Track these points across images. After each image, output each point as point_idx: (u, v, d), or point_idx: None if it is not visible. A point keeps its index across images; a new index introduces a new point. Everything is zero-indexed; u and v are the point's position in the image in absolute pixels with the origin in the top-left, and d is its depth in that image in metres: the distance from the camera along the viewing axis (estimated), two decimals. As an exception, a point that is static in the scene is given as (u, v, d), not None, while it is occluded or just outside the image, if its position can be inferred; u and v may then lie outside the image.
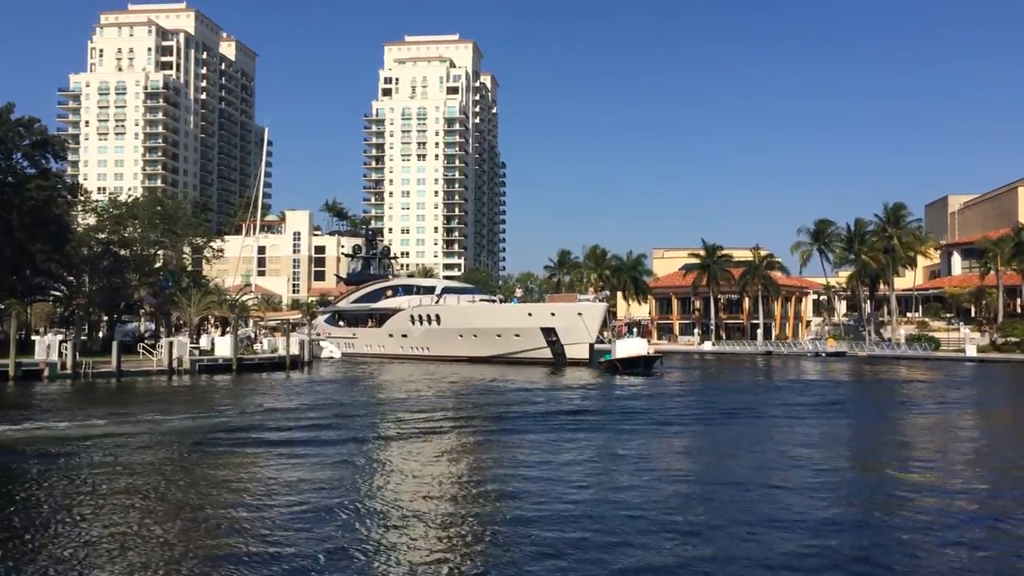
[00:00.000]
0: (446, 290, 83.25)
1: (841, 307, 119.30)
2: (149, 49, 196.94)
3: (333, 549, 13.94)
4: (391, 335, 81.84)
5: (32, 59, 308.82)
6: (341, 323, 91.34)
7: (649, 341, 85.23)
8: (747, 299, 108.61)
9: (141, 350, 58.34)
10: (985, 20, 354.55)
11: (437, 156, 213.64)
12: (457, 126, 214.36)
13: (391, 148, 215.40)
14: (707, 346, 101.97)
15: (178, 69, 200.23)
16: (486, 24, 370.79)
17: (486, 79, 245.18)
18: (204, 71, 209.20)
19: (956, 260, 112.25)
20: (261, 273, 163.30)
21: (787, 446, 25.64)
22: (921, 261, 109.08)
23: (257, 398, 40.44)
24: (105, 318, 73.40)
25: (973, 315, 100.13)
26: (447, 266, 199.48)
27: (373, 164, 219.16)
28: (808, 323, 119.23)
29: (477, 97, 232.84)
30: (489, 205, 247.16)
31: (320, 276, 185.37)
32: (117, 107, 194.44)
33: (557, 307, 71.28)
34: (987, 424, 33.49)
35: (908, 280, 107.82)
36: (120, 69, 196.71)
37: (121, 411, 33.44)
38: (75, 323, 67.32)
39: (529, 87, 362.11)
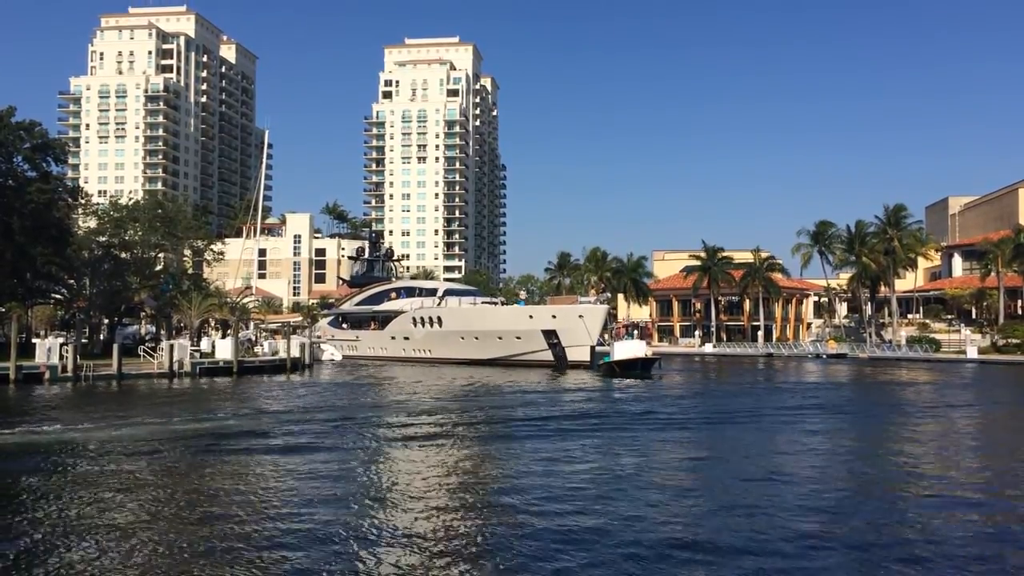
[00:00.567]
0: (448, 292, 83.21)
1: (842, 309, 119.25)
2: (149, 52, 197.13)
3: (333, 552, 13.91)
4: (393, 337, 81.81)
5: (33, 62, 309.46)
6: (345, 325, 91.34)
7: (650, 343, 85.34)
8: (748, 301, 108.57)
9: (142, 353, 58.29)
10: (985, 21, 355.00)
11: (437, 159, 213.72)
12: (457, 128, 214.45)
13: (391, 151, 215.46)
14: (708, 348, 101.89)
15: (178, 72, 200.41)
16: (486, 27, 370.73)
17: (486, 82, 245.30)
18: (204, 74, 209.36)
19: (957, 262, 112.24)
20: (262, 276, 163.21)
21: (788, 448, 25.60)
22: (922, 263, 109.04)
23: (257, 401, 40.42)
24: (106, 321, 73.39)
25: (974, 317, 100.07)
26: (447, 268, 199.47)
27: (373, 167, 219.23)
28: (809, 325, 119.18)
29: (477, 99, 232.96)
30: (489, 207, 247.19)
31: (320, 279, 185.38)
32: (117, 110, 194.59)
33: (558, 309, 71.15)
34: (990, 426, 33.43)
35: (909, 282, 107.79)
36: (120, 72, 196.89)
37: (121, 414, 33.42)
38: (76, 326, 67.35)
39: (529, 89, 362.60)
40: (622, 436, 27.98)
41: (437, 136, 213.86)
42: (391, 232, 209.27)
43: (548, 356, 68.80)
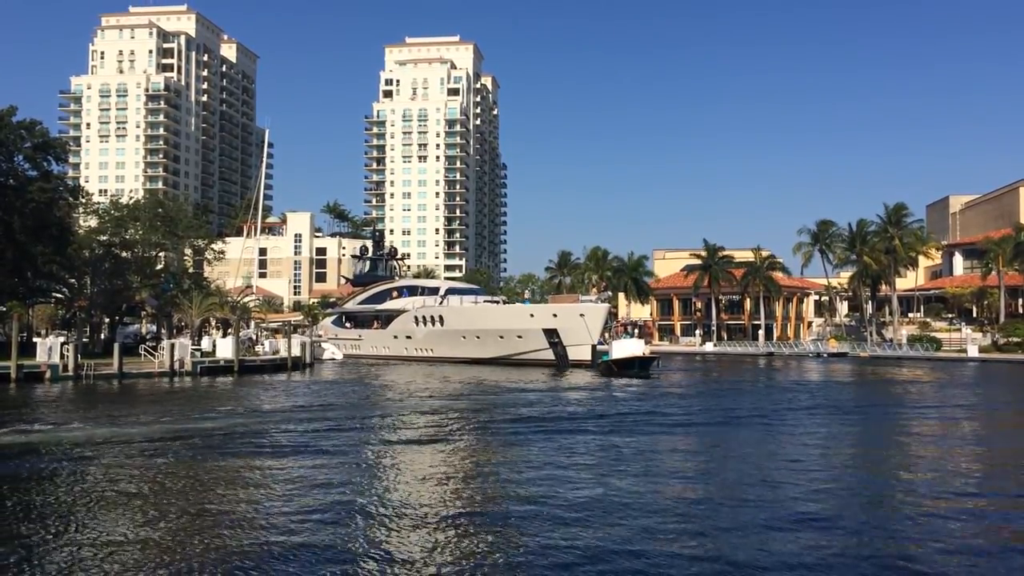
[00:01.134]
0: (450, 291, 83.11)
1: (843, 308, 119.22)
2: (150, 51, 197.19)
3: (334, 552, 13.90)
4: (396, 336, 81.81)
5: (33, 62, 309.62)
6: (348, 324, 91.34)
7: (651, 342, 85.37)
8: (748, 300, 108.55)
9: (143, 352, 58.31)
10: (986, 21, 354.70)
11: (438, 158, 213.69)
12: (458, 127, 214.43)
13: (392, 150, 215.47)
14: (708, 347, 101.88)
15: (179, 71, 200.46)
16: (487, 26, 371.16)
17: (487, 80, 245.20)
18: (205, 73, 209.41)
19: (958, 260, 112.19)
20: (262, 275, 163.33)
21: (788, 448, 25.59)
22: (923, 261, 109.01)
23: (258, 400, 40.42)
24: (107, 320, 73.41)
25: (975, 315, 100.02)
26: (448, 268, 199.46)
27: (374, 166, 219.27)
28: (809, 324, 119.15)
29: (478, 98, 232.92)
30: (490, 206, 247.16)
31: (321, 278, 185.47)
32: (118, 109, 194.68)
33: (559, 308, 71.15)
34: (992, 425, 33.41)
35: (910, 281, 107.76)
36: (121, 71, 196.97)
37: (122, 413, 33.42)
38: (76, 325, 67.33)
39: (530, 89, 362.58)
40: (622, 436, 27.96)
41: (438, 135, 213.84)
42: (391, 231, 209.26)
43: (549, 355, 68.77)
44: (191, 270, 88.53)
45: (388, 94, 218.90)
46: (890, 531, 15.43)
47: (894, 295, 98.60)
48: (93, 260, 70.04)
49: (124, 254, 73.18)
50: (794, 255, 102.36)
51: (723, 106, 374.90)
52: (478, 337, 73.38)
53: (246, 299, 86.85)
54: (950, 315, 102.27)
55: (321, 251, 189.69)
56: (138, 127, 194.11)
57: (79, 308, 70.63)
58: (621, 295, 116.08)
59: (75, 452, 23.87)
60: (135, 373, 52.87)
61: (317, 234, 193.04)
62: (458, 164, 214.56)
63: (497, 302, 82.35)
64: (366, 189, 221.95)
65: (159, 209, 78.09)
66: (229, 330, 67.07)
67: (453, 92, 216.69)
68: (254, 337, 76.91)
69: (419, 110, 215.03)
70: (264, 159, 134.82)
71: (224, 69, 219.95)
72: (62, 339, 57.91)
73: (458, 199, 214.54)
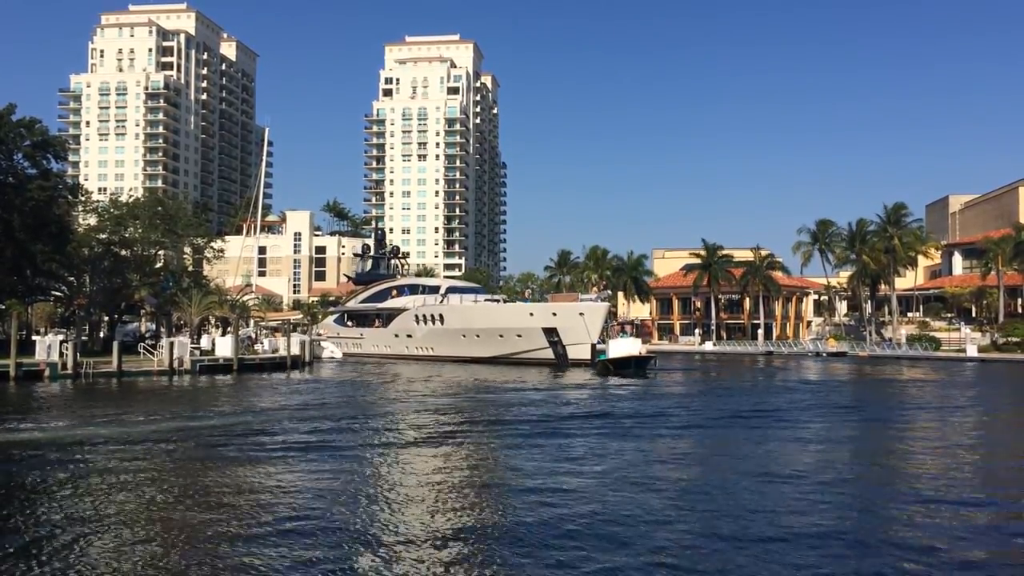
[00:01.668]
0: (450, 290, 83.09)
1: (842, 307, 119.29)
2: (150, 50, 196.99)
3: (333, 552, 13.90)
4: (396, 335, 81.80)
5: (33, 60, 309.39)
6: (350, 323, 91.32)
7: (650, 341, 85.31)
8: (748, 299, 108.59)
9: (142, 350, 58.31)
10: (986, 21, 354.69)
11: (438, 156, 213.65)
12: (458, 126, 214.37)
13: (392, 148, 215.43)
14: (708, 346, 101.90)
15: (179, 70, 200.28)
16: (487, 24, 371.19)
17: (487, 79, 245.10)
18: (205, 71, 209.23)
19: (957, 260, 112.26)
20: (262, 273, 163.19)
21: (788, 447, 25.59)
22: (922, 261, 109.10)
23: (257, 399, 40.42)
24: (106, 318, 73.36)
25: (974, 315, 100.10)
26: (447, 266, 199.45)
27: (374, 164, 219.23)
28: (809, 323, 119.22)
29: (478, 97, 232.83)
30: (490, 205, 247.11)
31: (321, 276, 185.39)
32: (118, 107, 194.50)
33: (559, 307, 71.14)
34: (991, 425, 33.42)
35: (909, 280, 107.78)
36: (121, 70, 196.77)
37: (122, 412, 33.40)
38: (76, 323, 67.30)
39: (530, 87, 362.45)
40: (621, 435, 27.97)
41: (437, 134, 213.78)
42: (391, 230, 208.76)
43: (549, 354, 68.77)
44: (190, 268, 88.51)
45: (388, 93, 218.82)
46: (890, 531, 15.44)
47: (893, 295, 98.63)
48: (92, 258, 70.01)
49: (123, 252, 73.16)
50: (794, 254, 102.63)
51: (723, 106, 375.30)
52: (478, 336, 73.37)
53: (245, 298, 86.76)
54: (949, 315, 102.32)
55: (320, 250, 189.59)
56: (138, 125, 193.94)
57: (78, 306, 70.62)
58: (620, 294, 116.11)
59: (74, 451, 23.86)
60: (134, 371, 52.85)
61: (317, 233, 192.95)
62: (458, 163, 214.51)
63: (497, 301, 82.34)
64: (366, 188, 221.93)
65: (159, 207, 78.01)
66: (228, 329, 67.03)
67: (453, 91, 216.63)
68: (253, 336, 76.85)
69: (419, 109, 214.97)
70: (264, 157, 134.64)
71: (224, 67, 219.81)
72: (61, 337, 57.84)
73: (458, 198, 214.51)
